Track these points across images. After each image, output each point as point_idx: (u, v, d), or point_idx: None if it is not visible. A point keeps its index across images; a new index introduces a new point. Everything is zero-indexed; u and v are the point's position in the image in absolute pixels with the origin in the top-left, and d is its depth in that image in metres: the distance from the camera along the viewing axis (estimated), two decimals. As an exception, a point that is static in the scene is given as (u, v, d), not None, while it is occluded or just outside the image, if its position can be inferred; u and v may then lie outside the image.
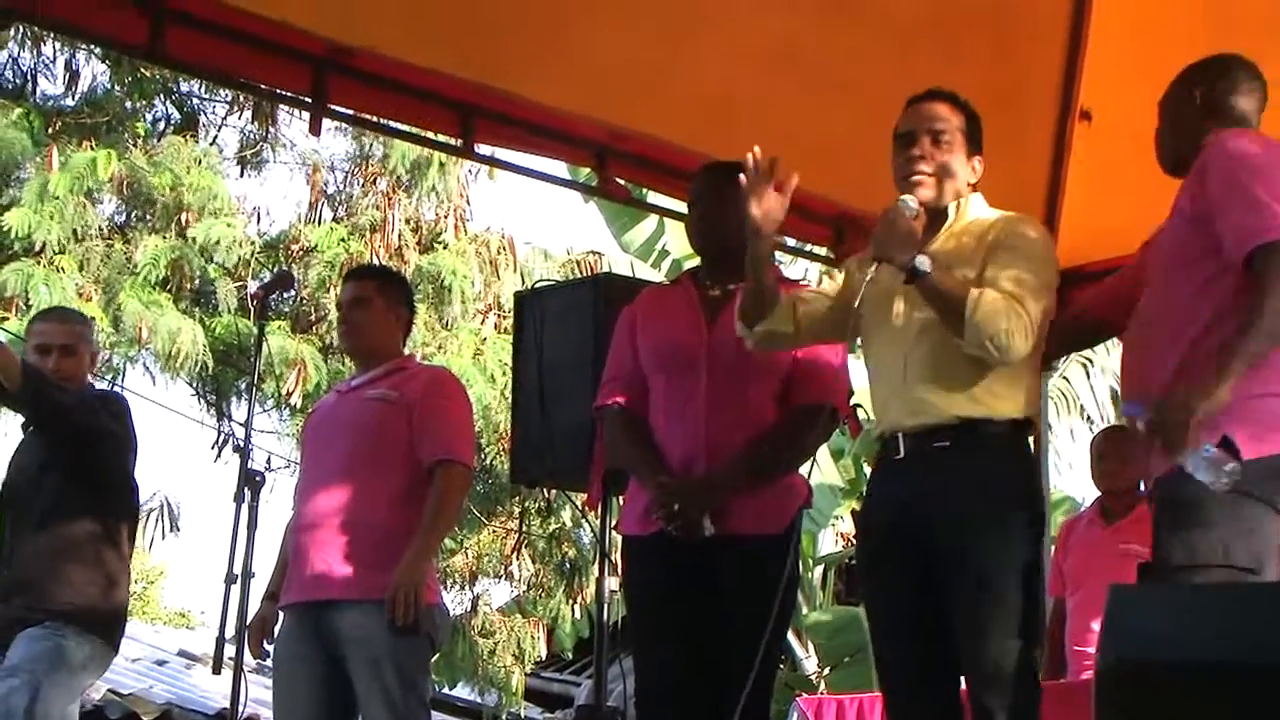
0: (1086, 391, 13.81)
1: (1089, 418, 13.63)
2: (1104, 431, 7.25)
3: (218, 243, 11.45)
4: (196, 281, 11.73)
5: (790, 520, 4.41)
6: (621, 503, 4.67)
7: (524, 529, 12.57)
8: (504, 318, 11.82)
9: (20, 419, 5.59)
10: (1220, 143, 3.80)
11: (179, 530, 12.56)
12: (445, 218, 12.53)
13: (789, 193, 4.02)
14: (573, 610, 12.90)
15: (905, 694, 3.96)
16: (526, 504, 12.41)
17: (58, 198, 11.04)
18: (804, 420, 4.42)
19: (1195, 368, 3.63)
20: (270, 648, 5.00)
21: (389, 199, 12.32)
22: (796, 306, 4.16)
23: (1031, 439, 4.05)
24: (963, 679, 3.88)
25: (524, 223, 32.56)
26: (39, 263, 10.90)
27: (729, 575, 4.29)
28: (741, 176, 4.02)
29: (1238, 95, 3.98)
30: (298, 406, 11.44)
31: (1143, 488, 3.96)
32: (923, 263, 3.79)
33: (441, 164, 12.12)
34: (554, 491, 11.21)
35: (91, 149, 11.41)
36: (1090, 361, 13.87)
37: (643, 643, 4.45)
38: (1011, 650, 3.75)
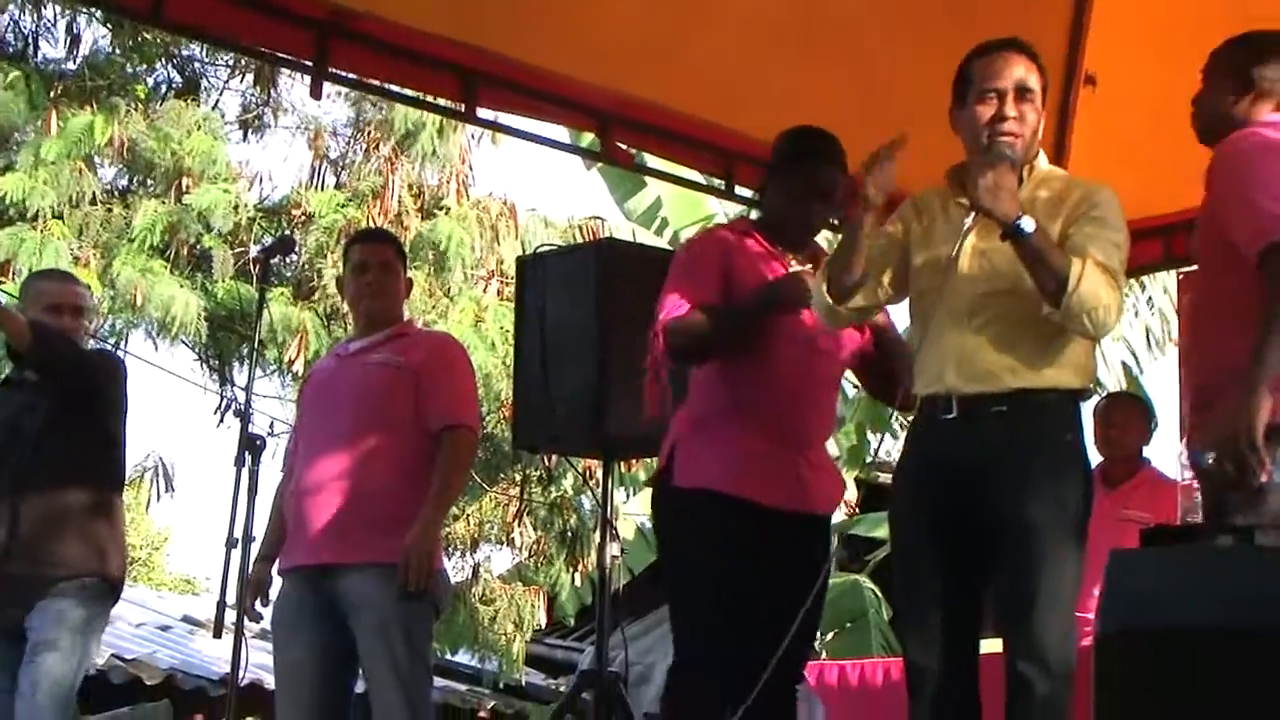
0: (1098, 359, 13.69)
1: (1101, 386, 13.59)
2: (1109, 397, 7.27)
3: (214, 209, 11.42)
4: (197, 248, 11.70)
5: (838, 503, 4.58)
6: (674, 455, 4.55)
7: (525, 496, 12.57)
8: (506, 284, 11.79)
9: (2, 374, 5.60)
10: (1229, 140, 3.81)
11: (174, 491, 12.56)
12: (447, 183, 12.50)
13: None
14: (572, 578, 12.92)
15: (929, 651, 3.89)
16: (528, 471, 12.42)
17: (53, 162, 11.00)
18: None
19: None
20: (265, 611, 5.01)
21: (391, 164, 12.29)
22: (879, 278, 4.07)
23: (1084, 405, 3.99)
24: (999, 642, 3.86)
25: (526, 189, 32.52)
26: (34, 228, 10.87)
27: (801, 549, 4.36)
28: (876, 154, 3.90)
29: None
30: (299, 373, 11.43)
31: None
32: (1028, 223, 3.67)
33: (440, 130, 12.09)
34: (555, 459, 11.23)
35: (92, 113, 11.37)
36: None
37: (714, 607, 4.35)
38: (1056, 616, 3.72)
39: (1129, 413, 6.78)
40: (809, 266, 4.44)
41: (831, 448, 12.63)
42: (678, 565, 4.48)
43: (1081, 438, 3.93)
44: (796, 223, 4.56)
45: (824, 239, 4.96)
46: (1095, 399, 7.13)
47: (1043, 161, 4.02)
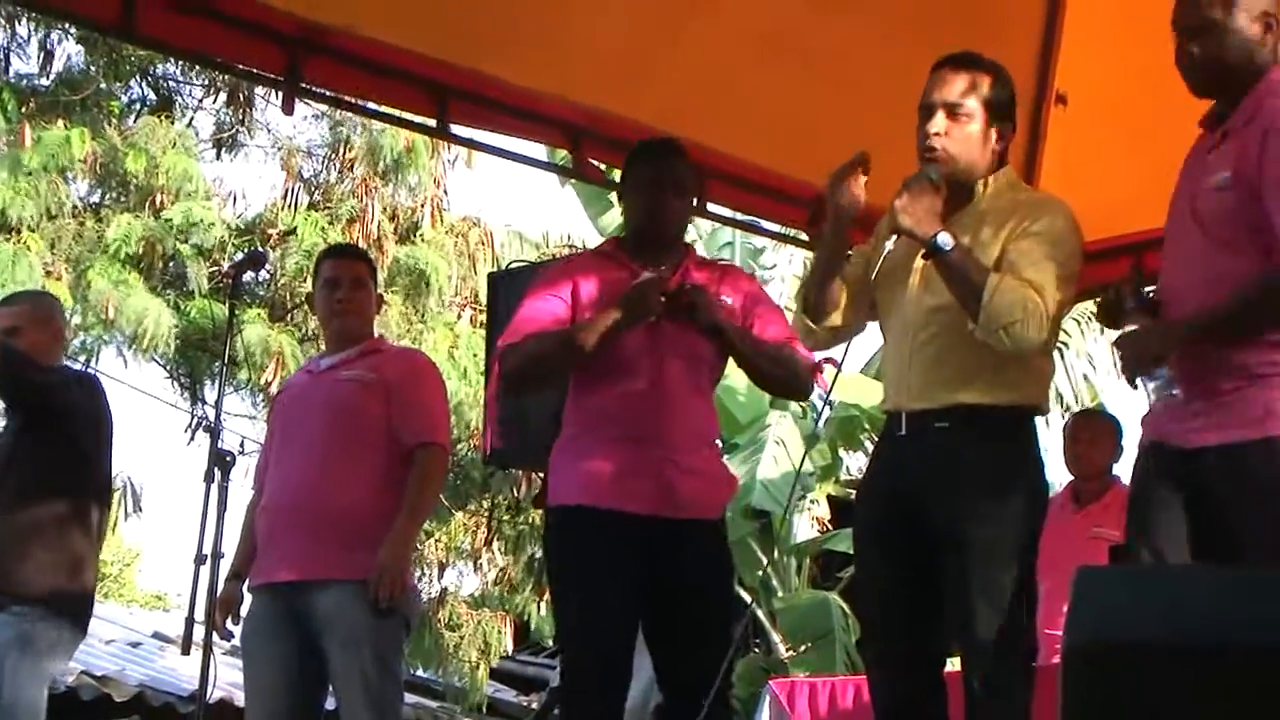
0: (1061, 377, 13.79)
1: (1065, 404, 13.64)
2: (1075, 415, 7.32)
3: (195, 224, 11.41)
4: (170, 264, 11.69)
5: (724, 508, 4.52)
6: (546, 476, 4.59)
7: (494, 520, 12.58)
8: (480, 312, 11.81)
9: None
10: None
11: (141, 511, 12.57)
12: (422, 206, 12.52)
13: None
14: (538, 607, 12.93)
15: (889, 669, 3.93)
16: (497, 499, 12.44)
17: (31, 174, 10.98)
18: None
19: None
20: (235, 629, 4.98)
21: (366, 186, 12.30)
22: (851, 297, 4.09)
23: (1038, 422, 3.99)
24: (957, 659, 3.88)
25: (501, 207, 32.61)
26: (7, 240, 10.84)
27: (680, 556, 4.31)
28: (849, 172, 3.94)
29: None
30: (274, 394, 11.43)
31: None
32: (944, 239, 3.71)
33: (414, 152, 12.13)
34: (523, 490, 11.25)
35: (66, 127, 11.36)
36: (1065, 346, 13.83)
37: (585, 620, 4.32)
38: (1001, 630, 3.73)
39: (1097, 430, 6.80)
40: (662, 270, 4.37)
41: (804, 463, 12.72)
42: (552, 582, 4.56)
43: (1031, 454, 3.93)
44: (655, 218, 4.50)
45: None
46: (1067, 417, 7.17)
47: (1004, 180, 4.01)
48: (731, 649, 4.14)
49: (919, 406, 3.86)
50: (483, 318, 11.04)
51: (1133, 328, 3.57)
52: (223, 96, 12.73)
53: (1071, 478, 6.77)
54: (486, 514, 12.67)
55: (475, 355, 11.25)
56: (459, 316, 12.36)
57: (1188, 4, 3.67)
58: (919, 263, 3.86)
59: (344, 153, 12.58)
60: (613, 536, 4.25)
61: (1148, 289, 3.71)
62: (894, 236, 3.79)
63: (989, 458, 3.80)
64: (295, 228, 11.94)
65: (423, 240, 12.19)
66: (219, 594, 4.87)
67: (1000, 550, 3.76)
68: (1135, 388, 3.53)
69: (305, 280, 11.33)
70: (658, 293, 4.25)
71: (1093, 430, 6.79)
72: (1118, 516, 6.21)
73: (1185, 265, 3.64)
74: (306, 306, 10.67)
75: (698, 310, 4.29)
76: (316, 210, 12.36)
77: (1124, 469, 6.73)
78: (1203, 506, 3.57)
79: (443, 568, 13.05)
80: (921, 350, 3.87)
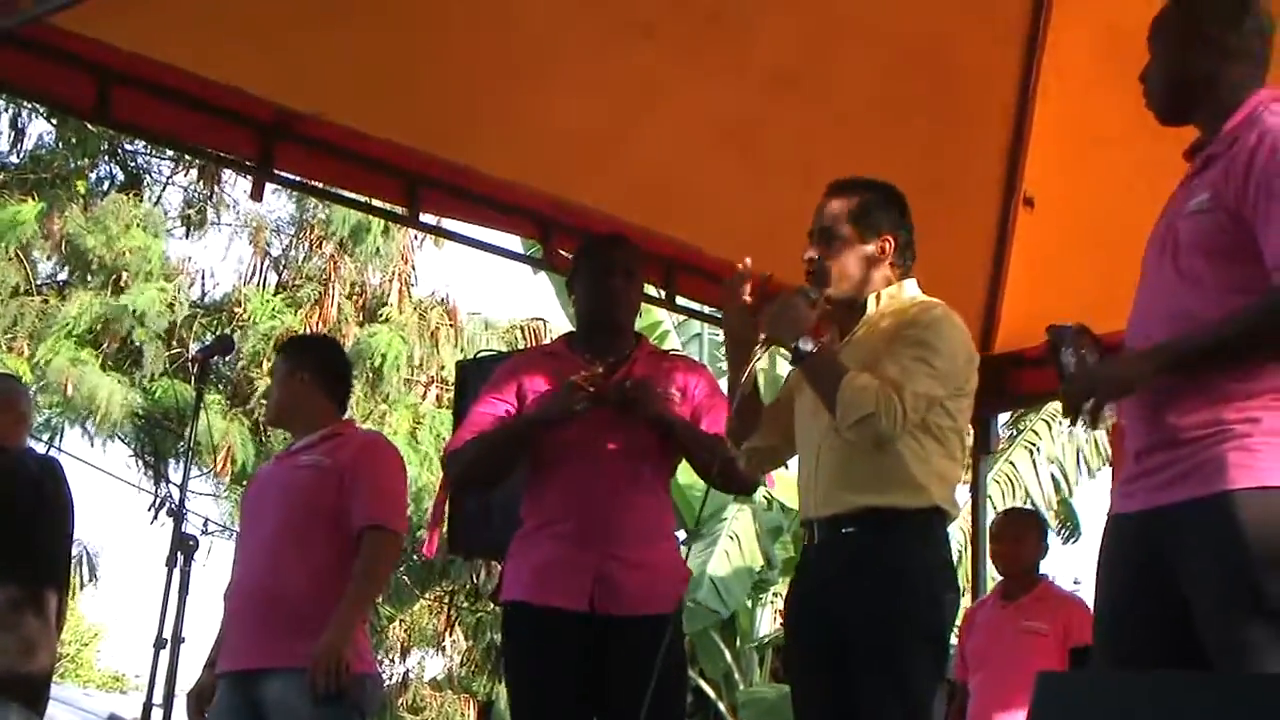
0: (1030, 475, 13.94)
1: (1032, 502, 13.72)
2: (1000, 514, 7.45)
3: (149, 307, 11.42)
4: (130, 343, 11.70)
5: (678, 600, 4.52)
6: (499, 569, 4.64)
7: (455, 603, 12.55)
8: (445, 391, 11.82)
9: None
10: (1270, 128, 3.22)
11: (98, 579, 12.52)
12: (389, 283, 12.55)
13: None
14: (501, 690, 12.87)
15: None
16: (456, 584, 12.41)
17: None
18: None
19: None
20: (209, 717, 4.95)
21: (334, 263, 12.33)
22: (777, 416, 4.13)
23: (950, 526, 3.99)
24: None
25: (471, 289, 32.59)
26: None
27: (626, 653, 4.31)
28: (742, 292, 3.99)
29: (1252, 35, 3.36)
30: (229, 480, 11.44)
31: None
32: (805, 345, 3.78)
33: (386, 230, 12.17)
34: (481, 576, 11.25)
35: (32, 203, 11.39)
36: (1035, 447, 14.01)
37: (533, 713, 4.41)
38: None
39: (1019, 527, 6.89)
40: (606, 366, 4.42)
41: (756, 557, 12.67)
42: (505, 679, 4.60)
43: (938, 556, 3.93)
44: (606, 303, 4.59)
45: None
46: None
47: (901, 292, 4.01)
48: None
49: (827, 513, 3.89)
50: (448, 395, 11.05)
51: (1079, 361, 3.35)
52: (193, 173, 12.78)
53: (999, 576, 6.85)
54: (446, 600, 12.63)
55: (439, 436, 11.25)
56: (424, 397, 12.36)
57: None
58: None
59: (311, 229, 12.62)
60: (556, 635, 4.32)
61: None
62: (764, 346, 3.89)
63: (896, 560, 3.82)
64: (253, 314, 11.97)
65: (384, 322, 12.22)
66: (195, 682, 4.87)
67: (909, 652, 3.78)
68: (1089, 424, 3.33)
69: (262, 365, 11.36)
70: (581, 391, 4.30)
71: (1016, 528, 6.88)
72: (1046, 610, 6.33)
73: (1149, 299, 3.38)
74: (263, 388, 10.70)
75: (638, 405, 4.37)
76: (285, 288, 12.40)
77: (1049, 565, 6.82)
78: (1162, 571, 3.22)
79: (405, 651, 12.99)
80: (826, 458, 3.90)
